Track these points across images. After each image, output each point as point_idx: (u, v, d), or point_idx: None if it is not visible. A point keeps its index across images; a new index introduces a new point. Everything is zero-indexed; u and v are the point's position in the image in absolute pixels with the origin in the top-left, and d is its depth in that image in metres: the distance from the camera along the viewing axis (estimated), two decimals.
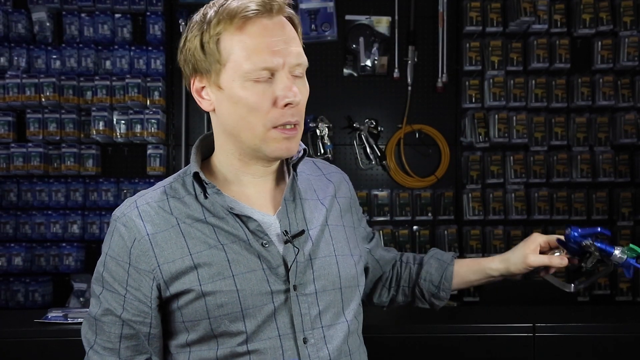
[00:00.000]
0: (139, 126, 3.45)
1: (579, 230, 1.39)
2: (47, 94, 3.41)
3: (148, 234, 1.19)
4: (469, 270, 1.54)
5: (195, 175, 1.22)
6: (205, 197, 1.21)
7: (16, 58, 3.49)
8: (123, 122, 3.47)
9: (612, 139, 3.54)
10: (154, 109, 3.46)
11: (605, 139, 3.52)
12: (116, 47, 3.49)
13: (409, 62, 3.52)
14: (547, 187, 3.54)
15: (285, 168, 1.33)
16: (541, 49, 3.45)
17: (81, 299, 3.38)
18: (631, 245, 1.32)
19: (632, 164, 3.55)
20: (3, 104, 3.44)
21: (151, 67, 3.48)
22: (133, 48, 3.49)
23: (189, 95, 3.56)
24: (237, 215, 1.20)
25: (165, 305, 1.21)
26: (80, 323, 2.27)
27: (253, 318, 1.18)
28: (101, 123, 3.43)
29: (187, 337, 1.22)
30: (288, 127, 1.17)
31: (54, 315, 2.34)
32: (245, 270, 1.18)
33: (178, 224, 1.20)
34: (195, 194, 1.23)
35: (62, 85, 3.46)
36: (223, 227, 1.20)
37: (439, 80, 3.55)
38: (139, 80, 3.42)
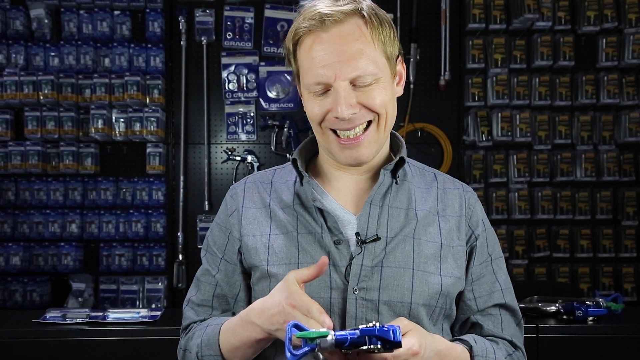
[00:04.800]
0: (138, 124, 3.42)
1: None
2: (46, 91, 3.38)
3: (243, 207, 1.32)
4: None
5: (294, 163, 1.29)
6: (302, 185, 1.28)
7: (14, 55, 3.46)
8: (122, 120, 3.44)
9: (617, 138, 3.51)
10: (153, 107, 3.43)
11: (610, 137, 3.50)
12: (115, 44, 3.46)
13: (412, 59, 3.49)
14: (550, 186, 3.51)
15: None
16: (545, 46, 3.42)
17: (79, 298, 3.35)
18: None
19: (637, 163, 3.52)
20: (1, 101, 3.42)
21: (150, 65, 3.45)
22: (132, 45, 3.46)
23: (188, 93, 3.55)
24: (319, 209, 1.25)
25: (247, 279, 1.31)
26: (79, 323, 2.27)
27: None
28: (100, 121, 3.40)
29: None
30: (347, 135, 1.21)
31: (52, 315, 2.32)
32: (310, 261, 1.22)
33: (270, 204, 1.31)
34: (295, 181, 1.31)
35: (60, 82, 3.43)
36: (304, 216, 1.26)
37: (442, 78, 3.52)
38: (138, 78, 3.39)
